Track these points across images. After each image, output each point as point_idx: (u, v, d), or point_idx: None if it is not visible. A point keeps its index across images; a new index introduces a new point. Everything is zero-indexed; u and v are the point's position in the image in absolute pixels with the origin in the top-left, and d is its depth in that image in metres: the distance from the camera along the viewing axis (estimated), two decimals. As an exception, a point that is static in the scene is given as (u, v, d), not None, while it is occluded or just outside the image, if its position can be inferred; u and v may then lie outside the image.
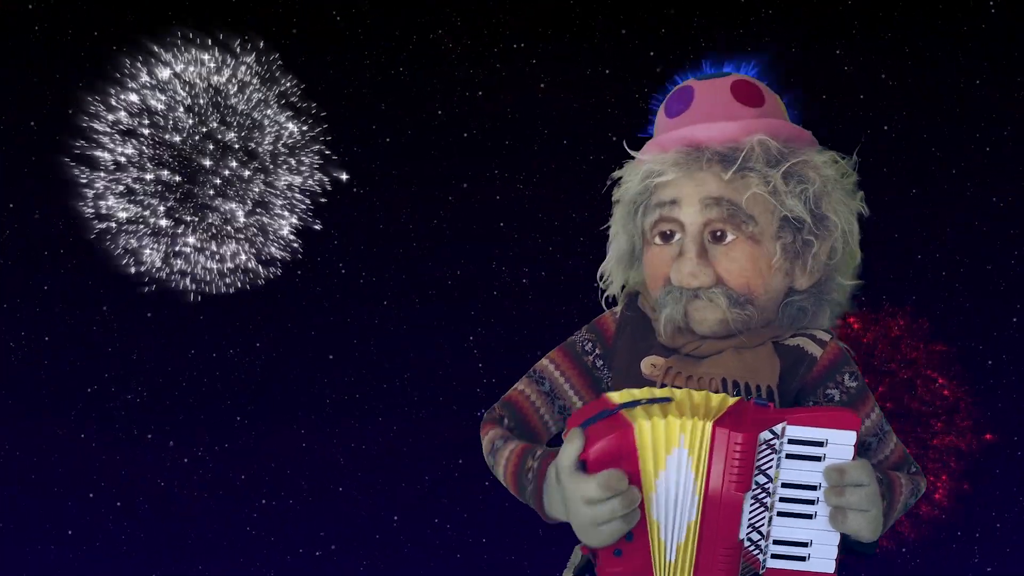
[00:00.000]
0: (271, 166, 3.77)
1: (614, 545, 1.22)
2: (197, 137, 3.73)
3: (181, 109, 3.69)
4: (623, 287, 1.59)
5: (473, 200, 4.58)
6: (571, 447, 1.20)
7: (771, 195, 1.36)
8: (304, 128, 3.80)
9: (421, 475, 4.84)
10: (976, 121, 4.86)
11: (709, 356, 1.41)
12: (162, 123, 3.68)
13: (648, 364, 1.42)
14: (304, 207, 3.82)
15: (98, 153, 3.70)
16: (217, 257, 3.79)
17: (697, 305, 1.38)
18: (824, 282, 1.47)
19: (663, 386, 1.37)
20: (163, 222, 3.79)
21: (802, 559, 1.24)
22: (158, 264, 3.79)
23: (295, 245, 3.87)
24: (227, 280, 3.82)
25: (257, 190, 3.79)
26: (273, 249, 3.84)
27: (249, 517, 4.89)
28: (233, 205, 3.79)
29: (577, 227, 4.55)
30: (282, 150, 3.79)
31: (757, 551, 1.24)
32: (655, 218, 1.42)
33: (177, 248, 3.77)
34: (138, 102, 3.67)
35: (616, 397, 1.26)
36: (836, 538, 1.24)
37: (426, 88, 4.42)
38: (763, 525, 1.23)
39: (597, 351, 1.55)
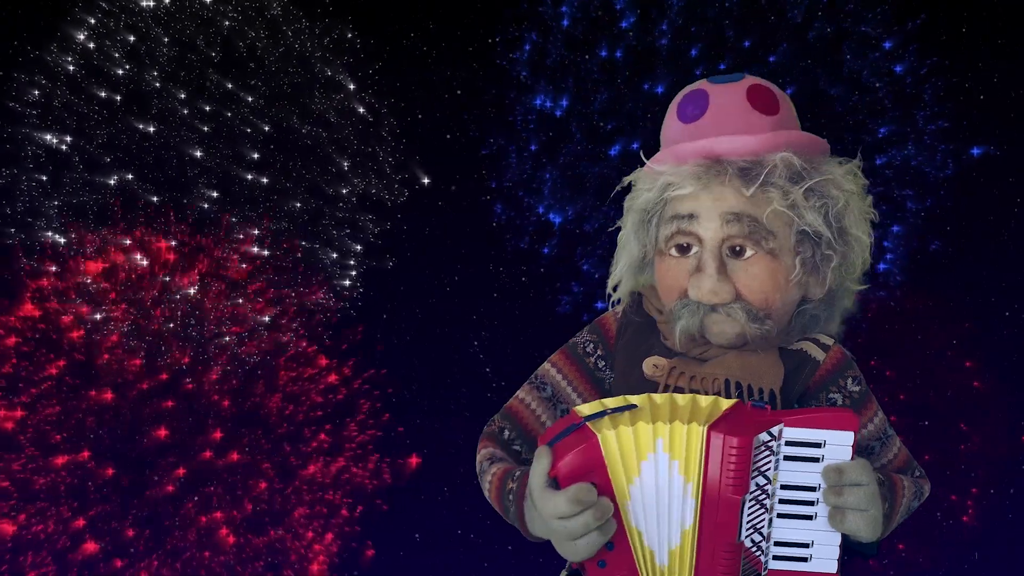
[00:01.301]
0: None
1: (597, 556, 1.22)
2: None
3: None
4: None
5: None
6: (539, 465, 1.20)
7: (791, 210, 1.34)
8: None
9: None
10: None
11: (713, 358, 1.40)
12: None
13: (650, 365, 1.41)
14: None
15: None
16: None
17: (715, 319, 1.37)
18: (836, 289, 1.45)
19: (666, 387, 1.38)
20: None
21: (804, 560, 1.24)
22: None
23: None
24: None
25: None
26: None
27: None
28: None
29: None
30: None
31: (759, 552, 1.23)
32: (672, 230, 1.39)
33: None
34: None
35: (584, 409, 1.25)
36: (837, 539, 1.23)
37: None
38: (764, 527, 1.22)
39: (599, 352, 1.54)
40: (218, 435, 5.20)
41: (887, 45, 4.76)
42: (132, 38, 4.49)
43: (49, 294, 4.84)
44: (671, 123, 1.45)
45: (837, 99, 4.78)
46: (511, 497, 1.37)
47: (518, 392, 1.59)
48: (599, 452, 1.18)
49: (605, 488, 1.18)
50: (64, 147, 4.46)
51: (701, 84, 1.44)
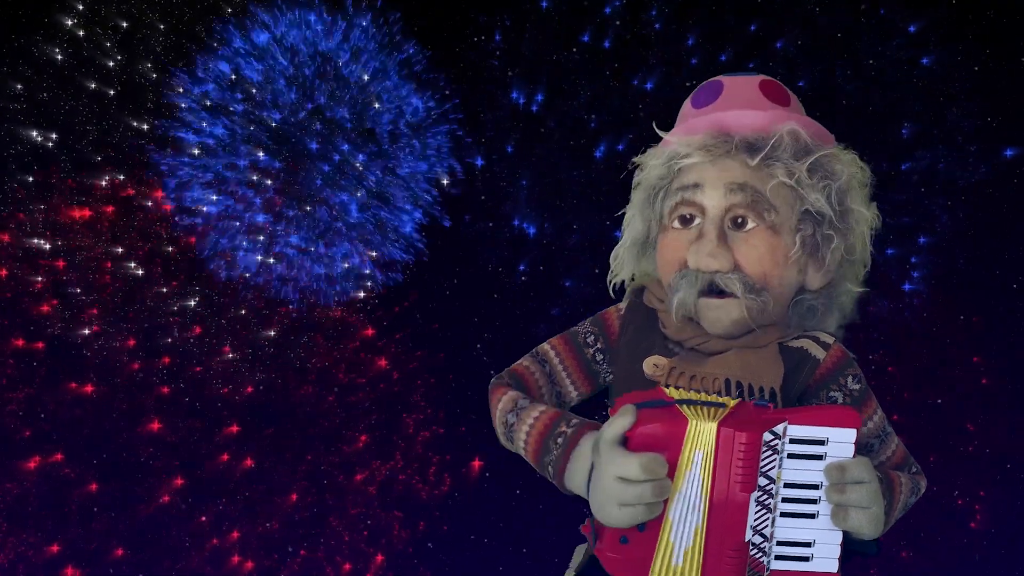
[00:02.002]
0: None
1: (622, 531, 1.23)
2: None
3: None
4: (632, 277, 1.60)
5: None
6: (621, 421, 1.21)
7: (795, 186, 1.38)
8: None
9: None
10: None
11: (713, 354, 1.42)
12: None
13: (651, 364, 1.42)
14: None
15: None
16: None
17: (712, 303, 1.39)
18: (835, 285, 1.48)
19: (666, 386, 1.37)
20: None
21: (805, 559, 1.26)
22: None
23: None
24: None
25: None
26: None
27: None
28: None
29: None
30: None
31: (760, 554, 1.24)
32: (676, 201, 1.43)
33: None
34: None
35: (673, 393, 1.28)
36: (838, 538, 1.25)
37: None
38: (766, 527, 1.24)
39: (599, 345, 1.58)
40: (234, 429, 4.18)
41: (912, 29, 4.34)
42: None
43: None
44: (685, 111, 1.52)
45: (854, 94, 4.37)
46: (560, 440, 1.37)
47: (522, 360, 1.62)
48: (682, 434, 1.20)
49: (669, 471, 1.20)
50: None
51: (717, 77, 1.50)
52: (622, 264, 1.59)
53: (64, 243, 3.76)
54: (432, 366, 4.27)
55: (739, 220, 1.38)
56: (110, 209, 3.81)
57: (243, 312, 3.74)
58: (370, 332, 4.04)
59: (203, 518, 4.16)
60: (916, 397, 4.44)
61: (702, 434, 1.19)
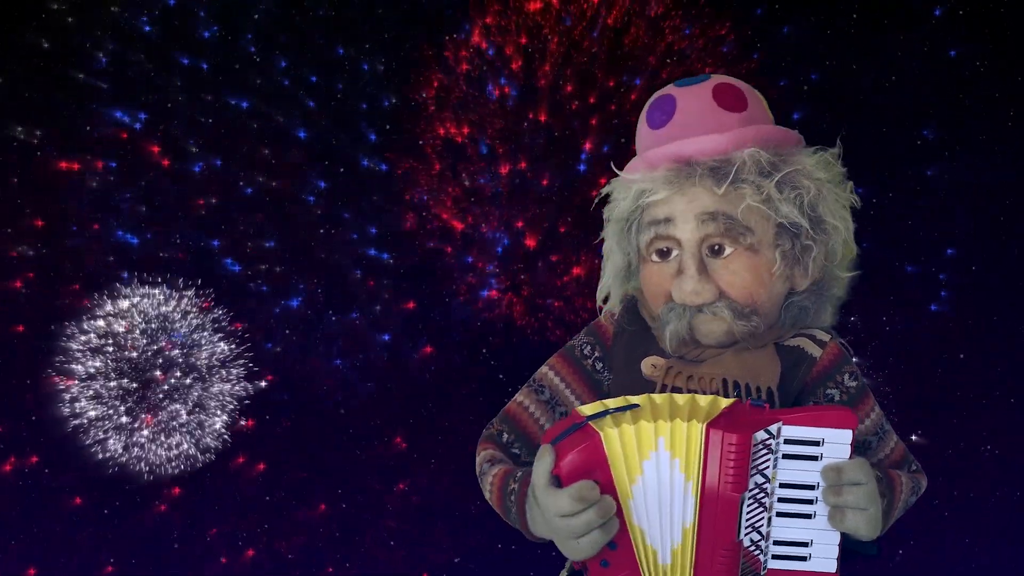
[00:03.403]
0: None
1: (600, 556, 1.21)
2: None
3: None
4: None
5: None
6: (542, 464, 1.19)
7: (765, 204, 1.35)
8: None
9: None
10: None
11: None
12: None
13: (648, 364, 1.41)
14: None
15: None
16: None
17: (703, 319, 1.37)
18: (823, 279, 1.46)
19: (664, 386, 1.37)
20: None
21: (803, 559, 1.24)
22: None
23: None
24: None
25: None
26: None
27: None
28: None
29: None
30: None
31: (758, 552, 1.23)
32: (650, 236, 1.40)
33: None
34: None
35: (586, 409, 1.25)
36: (836, 538, 1.23)
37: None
38: (763, 526, 1.22)
39: (597, 353, 1.54)
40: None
41: (937, 12, 3.77)
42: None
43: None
44: (642, 130, 1.48)
45: (873, 92, 3.88)
46: (512, 498, 1.38)
47: (516, 396, 1.59)
48: (602, 450, 1.18)
49: (608, 487, 1.18)
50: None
51: (668, 89, 1.46)
52: (611, 295, 1.57)
53: None
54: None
55: (716, 247, 1.36)
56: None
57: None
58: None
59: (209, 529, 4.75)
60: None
61: (666, 433, 1.17)
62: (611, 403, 1.24)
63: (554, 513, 1.17)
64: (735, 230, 1.35)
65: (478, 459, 1.52)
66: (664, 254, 1.40)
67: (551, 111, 4.95)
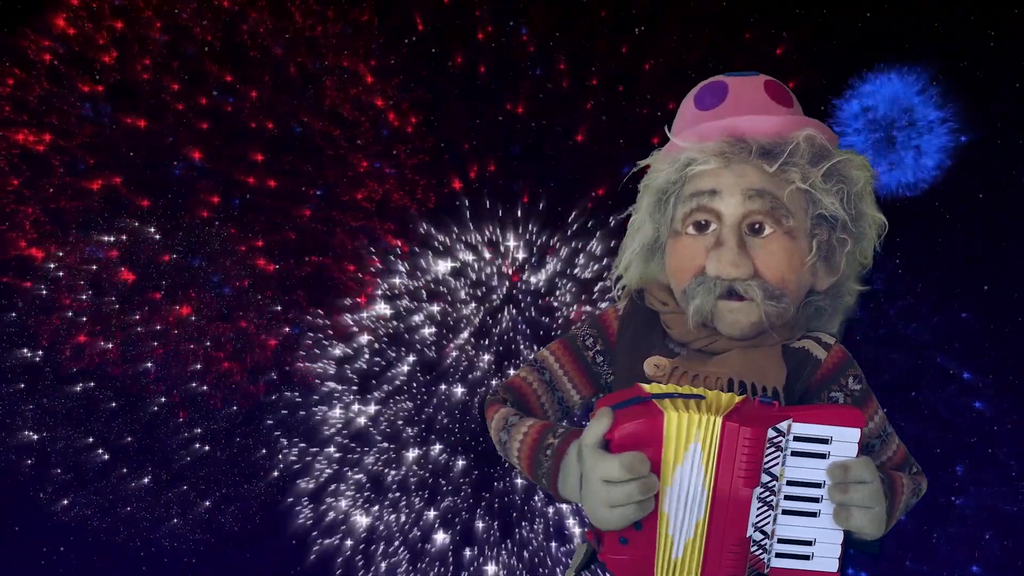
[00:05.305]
0: None
1: (621, 532, 1.22)
2: None
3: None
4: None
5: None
6: (598, 425, 1.19)
7: (811, 191, 1.36)
8: None
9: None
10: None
11: (717, 355, 1.41)
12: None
13: (651, 364, 1.40)
14: None
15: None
16: None
17: (731, 306, 1.37)
18: (839, 285, 1.47)
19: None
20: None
21: (806, 558, 1.24)
22: None
23: None
24: None
25: None
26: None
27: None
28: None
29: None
30: None
31: (761, 551, 1.23)
32: (691, 207, 1.39)
33: None
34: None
35: (649, 388, 1.26)
36: (839, 537, 1.24)
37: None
38: (768, 524, 1.22)
39: (598, 347, 1.54)
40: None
41: None
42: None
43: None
44: (688, 112, 1.48)
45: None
46: (549, 452, 1.35)
47: (519, 371, 1.60)
48: (661, 429, 1.18)
49: (654, 466, 1.19)
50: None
51: (718, 77, 1.48)
52: (630, 270, 1.56)
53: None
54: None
55: (756, 226, 1.36)
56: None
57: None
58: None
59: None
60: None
61: (702, 426, 1.17)
62: (670, 388, 1.26)
63: (599, 476, 1.17)
64: (778, 211, 1.35)
65: (499, 413, 1.50)
66: (701, 227, 1.40)
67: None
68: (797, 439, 1.21)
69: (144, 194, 4.55)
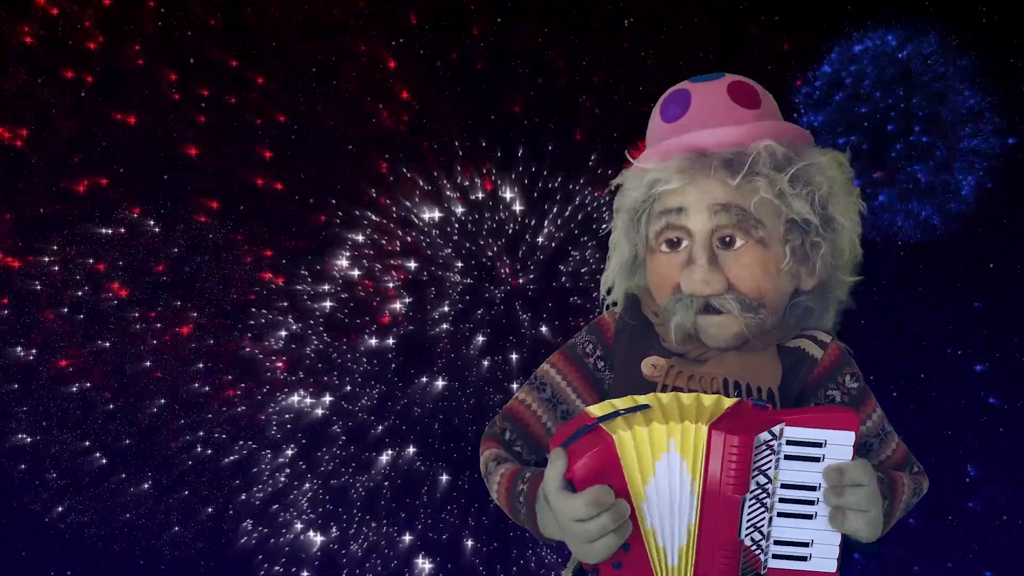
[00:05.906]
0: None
1: (613, 558, 1.21)
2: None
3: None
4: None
5: None
6: (554, 468, 1.18)
7: (778, 198, 1.35)
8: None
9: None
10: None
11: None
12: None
13: (649, 365, 1.41)
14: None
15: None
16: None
17: (711, 321, 1.37)
18: (828, 281, 1.46)
19: (664, 387, 1.37)
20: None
21: (803, 559, 1.24)
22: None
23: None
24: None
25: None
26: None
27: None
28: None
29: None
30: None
31: (759, 551, 1.23)
32: (661, 226, 1.40)
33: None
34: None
35: (595, 410, 1.24)
36: (837, 538, 1.23)
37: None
38: (764, 525, 1.22)
39: (598, 352, 1.54)
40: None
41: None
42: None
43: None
44: (655, 124, 1.48)
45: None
46: (522, 499, 1.37)
47: (517, 393, 1.59)
48: (615, 453, 1.17)
49: (621, 489, 1.18)
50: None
51: (683, 85, 1.47)
52: (614, 288, 1.58)
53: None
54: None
55: (727, 239, 1.36)
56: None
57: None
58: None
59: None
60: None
61: (678, 435, 1.17)
62: (619, 403, 1.24)
63: (569, 517, 1.17)
64: (747, 222, 1.35)
65: (483, 457, 1.53)
66: (674, 244, 1.41)
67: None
68: (790, 443, 1.20)
69: (135, 196, 4.27)
